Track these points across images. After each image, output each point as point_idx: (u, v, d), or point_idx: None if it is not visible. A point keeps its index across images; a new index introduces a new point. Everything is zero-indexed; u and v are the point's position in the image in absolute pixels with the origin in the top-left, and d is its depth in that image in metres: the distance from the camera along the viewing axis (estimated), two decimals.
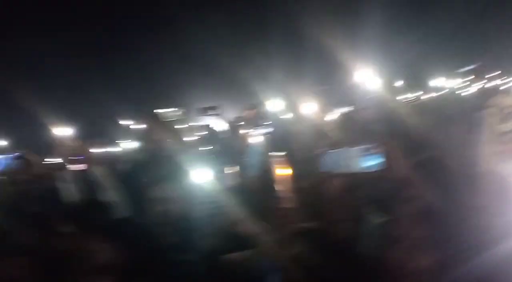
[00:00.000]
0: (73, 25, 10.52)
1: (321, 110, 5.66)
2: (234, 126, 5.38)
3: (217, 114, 5.49)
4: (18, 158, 4.81)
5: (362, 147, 2.59)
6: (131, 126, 5.72)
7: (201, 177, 3.20)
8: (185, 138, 5.39)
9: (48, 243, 2.46)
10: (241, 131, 5.04)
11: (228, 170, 3.86)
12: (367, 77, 6.10)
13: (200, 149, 4.98)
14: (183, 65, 10.61)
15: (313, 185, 2.87)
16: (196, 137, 5.53)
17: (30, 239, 2.78)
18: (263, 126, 5.14)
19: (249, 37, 10.02)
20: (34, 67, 10.43)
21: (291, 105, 5.87)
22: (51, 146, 5.37)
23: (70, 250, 2.51)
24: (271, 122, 5.38)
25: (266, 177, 3.11)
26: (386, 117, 4.27)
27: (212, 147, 4.95)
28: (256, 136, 4.57)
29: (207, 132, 5.23)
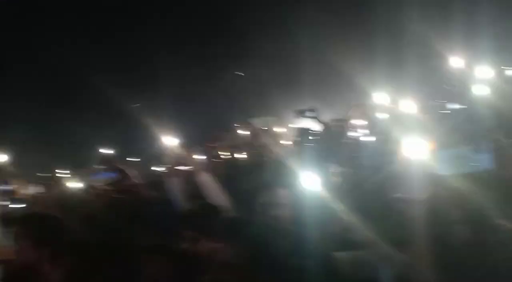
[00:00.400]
0: (182, 37, 11.31)
1: (426, 107, 5.51)
2: (336, 126, 5.43)
3: (315, 116, 5.57)
4: (114, 170, 5.39)
5: (473, 145, 2.52)
6: (233, 133, 6.06)
7: (308, 180, 3.31)
8: (285, 143, 5.59)
9: (172, 245, 2.76)
10: (345, 131, 5.09)
11: (334, 172, 3.93)
12: (475, 71, 5.82)
13: (302, 152, 5.12)
14: (279, 67, 10.90)
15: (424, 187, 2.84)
16: (296, 141, 5.67)
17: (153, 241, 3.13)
18: (368, 125, 5.14)
19: (346, 34, 9.97)
20: (141, 78, 11.46)
21: (394, 104, 5.78)
22: (158, 155, 5.89)
23: (192, 251, 2.81)
24: (373, 121, 5.37)
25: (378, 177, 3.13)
26: (496, 114, 4.04)
27: (313, 149, 5.06)
28: (364, 136, 4.60)
29: (307, 135, 5.34)
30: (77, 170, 6.29)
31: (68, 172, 6.47)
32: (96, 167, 5.53)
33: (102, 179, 5.14)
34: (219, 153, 6.21)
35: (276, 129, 5.73)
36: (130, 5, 11.81)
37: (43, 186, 5.87)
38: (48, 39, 10.68)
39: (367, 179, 3.76)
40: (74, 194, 5.42)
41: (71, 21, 11.23)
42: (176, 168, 4.60)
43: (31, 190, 5.52)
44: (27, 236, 2.10)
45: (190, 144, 5.48)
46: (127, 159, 6.70)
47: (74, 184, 5.58)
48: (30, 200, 4.87)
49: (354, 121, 5.41)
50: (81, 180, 5.65)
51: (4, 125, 9.98)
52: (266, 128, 4.84)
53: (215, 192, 4.11)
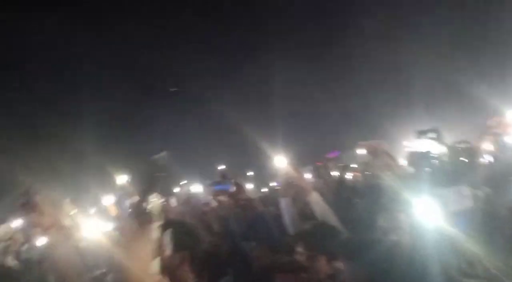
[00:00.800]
0: (297, 59, 11.82)
1: None
2: (461, 149, 5.26)
3: (437, 138, 5.44)
4: (230, 184, 5.78)
5: None
6: (347, 153, 6.19)
7: (427, 205, 3.30)
8: (404, 165, 5.54)
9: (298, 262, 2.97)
10: (471, 154, 4.93)
11: (461, 196, 3.84)
12: None
13: (421, 176, 5.04)
14: (397, 83, 10.77)
15: None
16: (415, 164, 5.58)
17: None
18: (499, 148, 4.91)
19: (471, 47, 9.58)
20: (257, 98, 12.13)
21: None
22: (271, 172, 6.21)
23: (310, 269, 3.00)
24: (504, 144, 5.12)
25: None
26: None
27: (434, 174, 4.96)
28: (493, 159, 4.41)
29: (427, 158, 5.23)
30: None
31: (188, 184, 7.13)
32: (214, 180, 6.02)
33: (219, 191, 5.59)
34: (331, 172, 6.37)
35: (394, 150, 5.68)
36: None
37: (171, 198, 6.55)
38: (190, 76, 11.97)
39: (499, 204, 3.63)
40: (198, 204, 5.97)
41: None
42: (288, 186, 4.84)
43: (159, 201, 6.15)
44: (170, 240, 2.43)
45: (303, 163, 5.71)
46: (243, 173, 7.19)
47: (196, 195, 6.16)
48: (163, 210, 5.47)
49: (482, 144, 5.20)
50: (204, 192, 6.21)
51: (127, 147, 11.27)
52: (383, 149, 4.87)
53: (325, 211, 4.27)
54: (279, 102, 11.35)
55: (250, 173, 7.53)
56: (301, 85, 11.80)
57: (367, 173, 5.39)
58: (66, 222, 3.20)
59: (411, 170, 5.61)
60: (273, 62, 11.87)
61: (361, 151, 5.22)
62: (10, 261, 2.76)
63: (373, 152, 4.71)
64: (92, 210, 5.96)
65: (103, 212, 5.96)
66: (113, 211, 5.89)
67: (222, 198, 5.52)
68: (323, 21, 12.25)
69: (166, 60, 11.93)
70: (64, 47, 11.93)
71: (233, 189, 5.66)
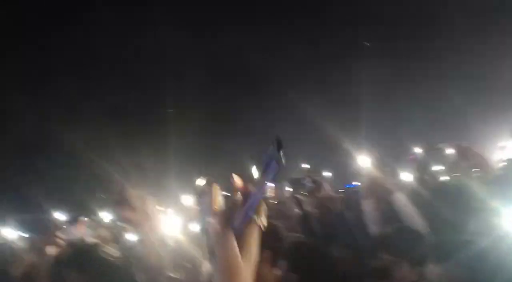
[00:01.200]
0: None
1: None
2: None
3: None
4: (310, 181, 5.80)
5: None
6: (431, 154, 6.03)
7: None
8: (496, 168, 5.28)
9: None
10: None
11: None
12: None
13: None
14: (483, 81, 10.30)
15: None
16: (506, 169, 5.29)
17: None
18: None
19: None
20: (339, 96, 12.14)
21: None
22: (354, 172, 6.18)
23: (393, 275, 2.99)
24: None
25: None
26: None
27: None
28: None
29: None
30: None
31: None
32: (294, 177, 6.11)
33: (299, 188, 5.66)
34: (414, 173, 6.20)
35: (486, 151, 5.44)
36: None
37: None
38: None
39: None
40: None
41: None
42: (372, 186, 4.79)
43: None
44: None
45: (386, 163, 5.62)
46: (322, 172, 7.24)
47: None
48: None
49: None
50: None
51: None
52: (473, 150, 4.69)
53: (411, 213, 4.18)
54: (362, 102, 11.24)
55: (328, 173, 7.53)
56: (385, 83, 11.62)
57: (454, 174, 5.19)
58: (154, 219, 3.40)
59: (506, 172, 5.33)
60: (357, 61, 11.78)
61: (449, 152, 5.07)
62: (110, 253, 2.99)
63: (462, 153, 4.54)
64: (171, 209, 6.25)
65: (181, 211, 6.23)
66: (192, 210, 6.14)
67: (301, 196, 5.56)
68: (408, 21, 11.98)
69: (251, 58, 12.23)
70: (163, 51, 12.61)
71: (314, 186, 5.67)
